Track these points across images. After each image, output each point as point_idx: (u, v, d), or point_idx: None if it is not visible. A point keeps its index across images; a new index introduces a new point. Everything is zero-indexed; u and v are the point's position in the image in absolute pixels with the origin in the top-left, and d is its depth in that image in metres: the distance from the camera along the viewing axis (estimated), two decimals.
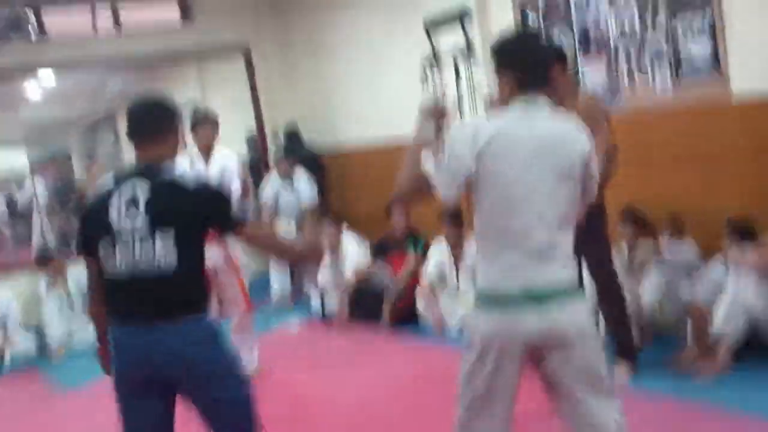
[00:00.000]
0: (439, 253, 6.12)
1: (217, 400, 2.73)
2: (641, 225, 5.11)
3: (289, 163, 7.55)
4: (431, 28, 6.58)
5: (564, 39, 5.53)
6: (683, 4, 4.80)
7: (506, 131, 2.50)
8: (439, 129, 2.65)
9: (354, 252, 6.77)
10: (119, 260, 2.63)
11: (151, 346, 2.65)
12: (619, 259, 4.84)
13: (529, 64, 2.58)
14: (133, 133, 2.77)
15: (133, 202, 2.61)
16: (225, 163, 5.11)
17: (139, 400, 2.74)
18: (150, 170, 2.70)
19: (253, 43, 8.71)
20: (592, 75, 5.45)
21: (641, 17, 5.05)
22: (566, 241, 2.53)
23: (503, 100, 2.60)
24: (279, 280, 7.70)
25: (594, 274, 4.49)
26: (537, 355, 2.49)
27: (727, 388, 4.03)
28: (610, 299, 4.45)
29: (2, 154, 10.55)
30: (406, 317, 6.12)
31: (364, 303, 6.35)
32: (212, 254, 4.87)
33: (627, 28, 5.17)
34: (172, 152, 2.81)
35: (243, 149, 8.67)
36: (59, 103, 10.07)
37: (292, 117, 8.38)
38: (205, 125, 5.11)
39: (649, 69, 5.09)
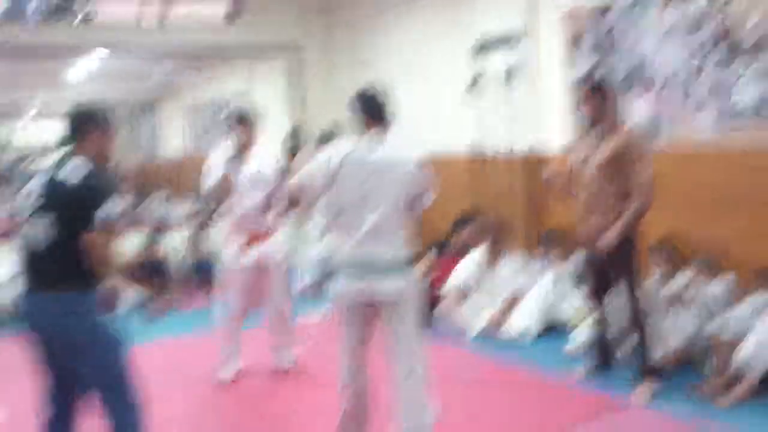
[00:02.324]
0: (471, 261, 6.30)
1: (84, 368, 3.11)
2: (675, 257, 5.23)
3: None
4: (479, 47, 6.74)
5: (612, 72, 5.61)
6: (736, 49, 4.83)
7: (354, 156, 3.57)
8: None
9: None
10: (22, 231, 3.15)
11: (33, 312, 3.12)
12: (651, 288, 4.96)
13: (373, 110, 3.68)
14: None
15: (37, 189, 3.12)
16: (261, 167, 5.04)
17: (42, 360, 3.18)
18: (60, 164, 3.17)
19: (298, 44, 8.89)
20: (636, 111, 5.50)
21: (692, 58, 5.10)
22: (394, 232, 3.53)
23: (359, 132, 3.67)
24: (308, 269, 7.83)
25: (623, 299, 4.62)
26: (372, 308, 3.55)
27: (745, 415, 4.13)
28: (636, 325, 4.59)
29: (47, 128, 10.86)
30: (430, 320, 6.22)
31: None
32: (251, 255, 5.01)
33: (677, 68, 5.21)
34: (88, 149, 3.22)
35: (284, 142, 8.78)
36: (103, 85, 10.21)
37: (331, 117, 8.56)
38: (244, 125, 4.97)
39: (694, 110, 5.13)
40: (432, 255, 6.67)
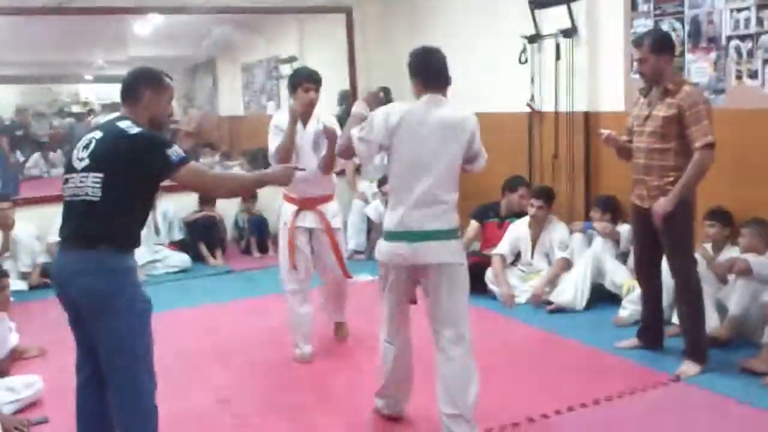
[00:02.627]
0: (517, 228, 6.16)
1: (99, 332, 2.99)
2: (730, 227, 5.03)
3: None
4: (536, 6, 6.55)
5: (674, 29, 5.40)
6: None
7: (412, 116, 3.46)
8: (370, 110, 3.64)
9: None
10: (68, 189, 3.05)
11: (61, 269, 3.06)
12: (702, 257, 4.78)
13: (430, 72, 3.57)
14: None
15: (87, 146, 3.03)
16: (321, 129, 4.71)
17: (70, 316, 3.13)
18: (110, 123, 3.11)
19: (355, 2, 8.78)
20: (698, 69, 5.32)
21: (758, 15, 4.89)
22: (447, 197, 3.47)
23: (415, 95, 3.59)
24: (355, 235, 7.81)
25: (674, 269, 4.46)
26: (417, 274, 3.53)
27: None
28: (686, 297, 4.42)
29: (109, 88, 11.11)
30: (478, 286, 6.14)
31: None
32: (309, 220, 4.84)
33: (741, 26, 5.01)
34: (141, 113, 3.14)
35: (334, 106, 8.75)
36: (164, 44, 10.31)
37: (385, 80, 8.44)
38: (308, 86, 4.71)
39: (759, 69, 4.93)
40: (482, 218, 6.54)
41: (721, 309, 4.82)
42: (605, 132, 4.60)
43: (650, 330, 4.74)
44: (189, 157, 3.03)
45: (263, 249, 8.13)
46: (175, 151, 2.98)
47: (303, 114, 4.75)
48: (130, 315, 2.98)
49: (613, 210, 5.95)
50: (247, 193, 2.83)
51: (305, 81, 4.73)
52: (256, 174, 3.32)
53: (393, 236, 3.51)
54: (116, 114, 3.19)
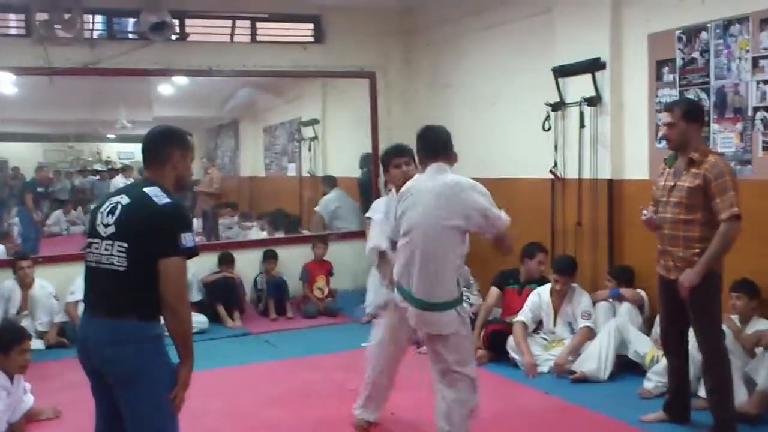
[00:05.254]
0: (538, 296, 6.07)
1: (127, 402, 2.94)
2: (756, 299, 4.95)
3: None
4: (560, 74, 6.59)
5: (699, 98, 5.40)
6: None
7: (415, 188, 3.86)
8: None
9: None
10: (92, 254, 3.01)
11: (87, 337, 3.00)
12: (729, 329, 4.71)
13: (425, 148, 3.94)
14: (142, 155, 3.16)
15: (112, 211, 2.98)
16: None
17: (93, 384, 3.08)
18: (137, 188, 3.06)
19: (378, 67, 8.90)
20: (724, 140, 5.31)
21: None
22: (446, 267, 3.68)
23: (419, 168, 3.99)
24: (375, 293, 7.60)
25: (700, 341, 4.37)
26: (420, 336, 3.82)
27: None
28: (714, 370, 4.33)
29: (130, 147, 11.36)
30: (499, 354, 6.06)
31: None
32: None
33: None
34: (168, 174, 3.09)
35: (356, 169, 8.79)
36: (188, 105, 10.46)
37: (406, 142, 8.46)
38: (398, 161, 4.48)
39: None
40: (502, 285, 6.47)
41: (750, 383, 4.71)
42: (646, 213, 4.52)
43: (676, 403, 4.64)
44: (196, 250, 2.98)
45: (281, 311, 8.07)
46: (189, 238, 2.94)
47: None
48: (157, 387, 2.93)
49: (628, 280, 5.91)
50: (182, 335, 2.69)
51: (394, 157, 4.59)
52: (190, 354, 3.02)
53: (401, 290, 3.83)
54: (144, 176, 3.16)
